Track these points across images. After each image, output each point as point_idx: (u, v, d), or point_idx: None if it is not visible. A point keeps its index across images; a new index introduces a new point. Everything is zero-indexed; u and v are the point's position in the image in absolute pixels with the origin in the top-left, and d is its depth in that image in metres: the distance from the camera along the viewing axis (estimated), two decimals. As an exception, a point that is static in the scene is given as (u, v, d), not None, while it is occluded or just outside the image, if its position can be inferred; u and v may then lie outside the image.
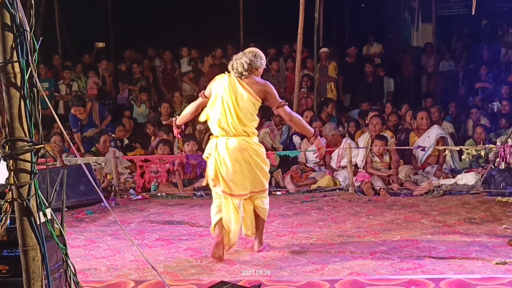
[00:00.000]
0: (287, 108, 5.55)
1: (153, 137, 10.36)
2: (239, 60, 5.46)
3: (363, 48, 13.98)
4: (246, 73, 5.43)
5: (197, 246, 6.03)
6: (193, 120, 10.67)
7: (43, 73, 12.09)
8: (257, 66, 5.51)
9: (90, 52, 13.58)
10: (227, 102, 5.40)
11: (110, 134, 9.97)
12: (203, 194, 8.55)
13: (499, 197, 7.60)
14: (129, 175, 9.28)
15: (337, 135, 9.14)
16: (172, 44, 13.70)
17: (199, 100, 5.73)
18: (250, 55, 5.50)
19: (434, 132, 8.86)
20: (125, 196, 8.62)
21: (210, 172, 5.52)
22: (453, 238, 5.98)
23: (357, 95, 12.07)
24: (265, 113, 11.00)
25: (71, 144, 4.00)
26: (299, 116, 5.75)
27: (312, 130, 5.70)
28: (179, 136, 6.24)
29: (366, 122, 9.64)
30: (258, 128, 9.71)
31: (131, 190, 8.74)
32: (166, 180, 8.81)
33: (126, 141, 10.58)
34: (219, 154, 5.43)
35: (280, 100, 5.52)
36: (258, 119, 5.63)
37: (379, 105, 11.37)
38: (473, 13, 8.64)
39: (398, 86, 12.75)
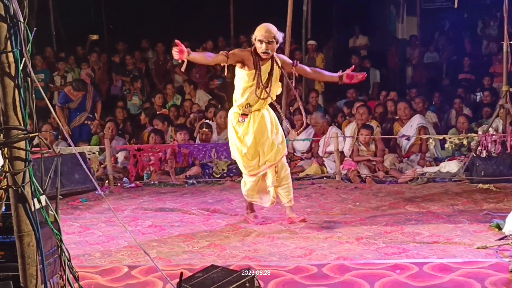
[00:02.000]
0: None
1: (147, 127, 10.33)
2: None
3: (349, 40, 13.98)
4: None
5: (189, 232, 6.02)
6: (185, 110, 10.70)
7: (39, 64, 11.97)
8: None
9: (84, 44, 13.48)
10: None
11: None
12: (195, 182, 8.54)
13: (481, 184, 7.63)
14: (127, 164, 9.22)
15: (325, 123, 9.15)
16: (165, 37, 13.61)
17: None
18: None
19: (416, 121, 8.90)
20: (119, 184, 8.58)
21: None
22: (436, 223, 6.01)
23: (344, 86, 12.02)
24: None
25: (65, 133, 3.98)
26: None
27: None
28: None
29: (353, 112, 9.64)
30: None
31: (124, 179, 8.70)
32: (159, 168, 8.78)
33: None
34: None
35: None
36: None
37: (365, 95, 11.38)
38: (455, 6, 8.66)
39: (384, 77, 12.77)
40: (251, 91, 5.79)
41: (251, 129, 5.92)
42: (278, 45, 5.85)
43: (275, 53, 5.86)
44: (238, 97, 5.89)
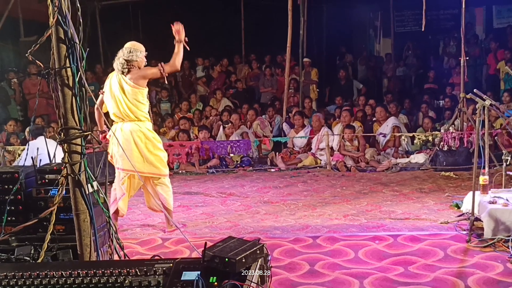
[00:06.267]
0: (166, 66, 5.16)
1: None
2: (117, 60, 4.98)
3: (336, 57, 13.91)
4: (126, 69, 4.95)
5: (210, 211, 6.03)
6: (205, 114, 10.69)
7: (89, 78, 11.97)
8: (133, 59, 4.97)
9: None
10: (117, 96, 4.96)
11: None
12: (214, 171, 8.55)
13: (443, 172, 7.60)
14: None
15: (323, 121, 9.12)
16: (189, 56, 13.57)
17: (100, 97, 5.13)
18: (126, 52, 4.97)
19: (391, 122, 8.88)
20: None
21: (110, 150, 4.97)
22: (407, 203, 6.00)
23: (333, 94, 12.02)
24: (262, 109, 10.98)
25: (113, 134, 3.98)
26: (173, 60, 5.28)
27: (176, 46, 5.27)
28: (105, 139, 5.20)
29: (337, 116, 9.61)
30: (252, 121, 9.75)
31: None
32: (186, 160, 8.79)
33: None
34: (115, 136, 4.93)
35: (158, 68, 5.09)
36: (147, 103, 5.12)
37: (350, 101, 11.34)
38: (422, 29, 8.62)
39: (365, 87, 12.70)
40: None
41: None
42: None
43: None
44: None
